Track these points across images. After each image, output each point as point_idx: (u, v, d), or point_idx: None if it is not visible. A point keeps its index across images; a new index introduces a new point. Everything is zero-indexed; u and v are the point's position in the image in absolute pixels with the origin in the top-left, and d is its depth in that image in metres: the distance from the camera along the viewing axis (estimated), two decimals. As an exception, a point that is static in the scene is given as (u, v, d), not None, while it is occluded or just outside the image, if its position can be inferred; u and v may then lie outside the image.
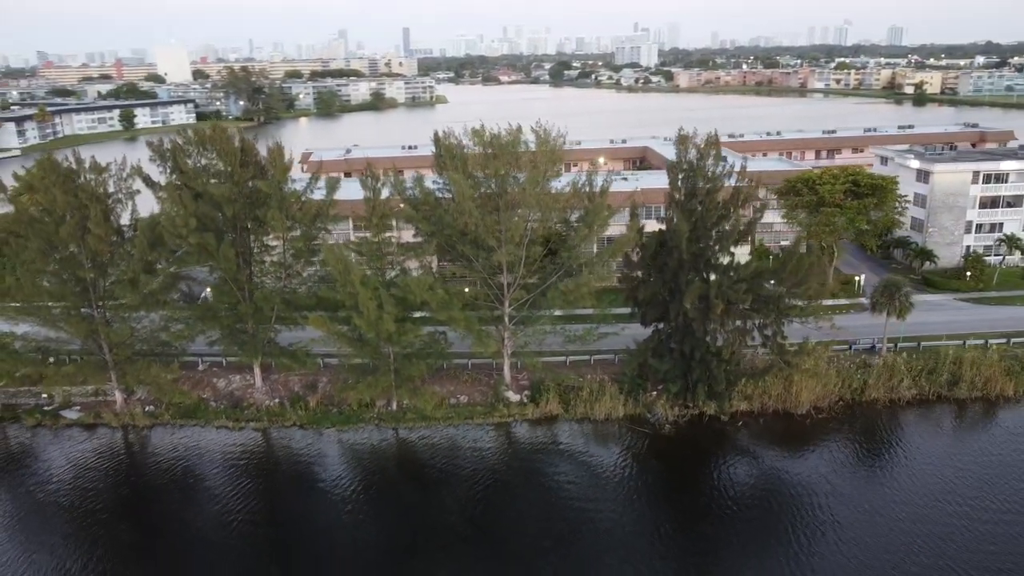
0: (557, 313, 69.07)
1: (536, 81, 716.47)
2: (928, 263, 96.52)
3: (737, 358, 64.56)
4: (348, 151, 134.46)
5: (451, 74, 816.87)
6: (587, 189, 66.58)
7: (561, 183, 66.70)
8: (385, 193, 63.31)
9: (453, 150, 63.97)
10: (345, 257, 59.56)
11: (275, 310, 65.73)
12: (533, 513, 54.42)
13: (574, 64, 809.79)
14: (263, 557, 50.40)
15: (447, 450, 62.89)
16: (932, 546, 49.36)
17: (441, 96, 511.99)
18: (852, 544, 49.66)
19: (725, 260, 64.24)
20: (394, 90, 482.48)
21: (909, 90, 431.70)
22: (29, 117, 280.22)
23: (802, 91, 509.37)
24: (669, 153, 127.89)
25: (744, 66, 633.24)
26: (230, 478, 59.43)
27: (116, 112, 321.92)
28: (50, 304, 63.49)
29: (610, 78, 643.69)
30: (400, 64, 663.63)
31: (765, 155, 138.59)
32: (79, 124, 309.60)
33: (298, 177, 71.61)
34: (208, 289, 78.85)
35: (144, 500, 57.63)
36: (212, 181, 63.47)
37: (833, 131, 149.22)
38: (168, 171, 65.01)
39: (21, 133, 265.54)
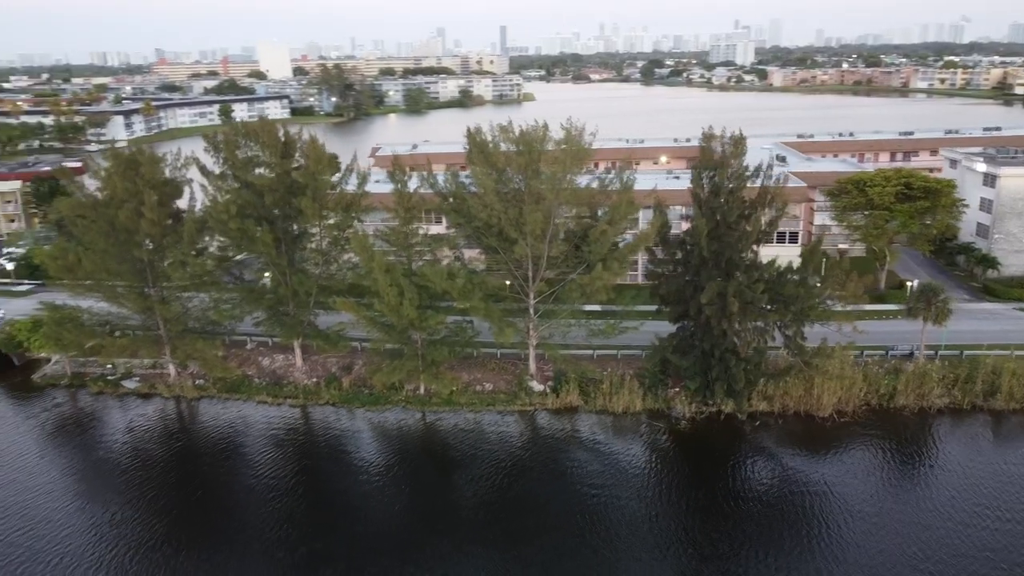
0: (592, 308, 70.47)
1: (627, 79, 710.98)
2: (990, 270, 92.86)
3: (757, 358, 64.48)
4: (415, 146, 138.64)
5: (542, 72, 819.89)
6: (616, 185, 67.68)
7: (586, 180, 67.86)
8: (413, 185, 66.18)
9: (483, 146, 66.26)
10: (369, 245, 62.74)
11: (312, 294, 69.65)
12: (546, 498, 56.17)
13: (667, 62, 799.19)
14: (290, 520, 54.10)
15: (468, 434, 65.38)
16: (952, 559, 48.47)
17: (529, 94, 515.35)
18: (866, 552, 49.22)
19: (749, 259, 64.24)
20: (482, 88, 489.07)
21: (1021, 90, 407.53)
22: (136, 111, 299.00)
23: (903, 91, 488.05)
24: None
25: (845, 64, 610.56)
26: (265, 448, 63.83)
27: (216, 107, 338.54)
28: (113, 283, 69.29)
29: (702, 76, 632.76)
30: (491, 62, 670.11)
31: (836, 156, 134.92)
32: (181, 118, 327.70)
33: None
34: (267, 274, 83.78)
35: (188, 463, 62.44)
36: (257, 171, 67.84)
37: (910, 133, 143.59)
38: (221, 161, 69.68)
39: (128, 126, 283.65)
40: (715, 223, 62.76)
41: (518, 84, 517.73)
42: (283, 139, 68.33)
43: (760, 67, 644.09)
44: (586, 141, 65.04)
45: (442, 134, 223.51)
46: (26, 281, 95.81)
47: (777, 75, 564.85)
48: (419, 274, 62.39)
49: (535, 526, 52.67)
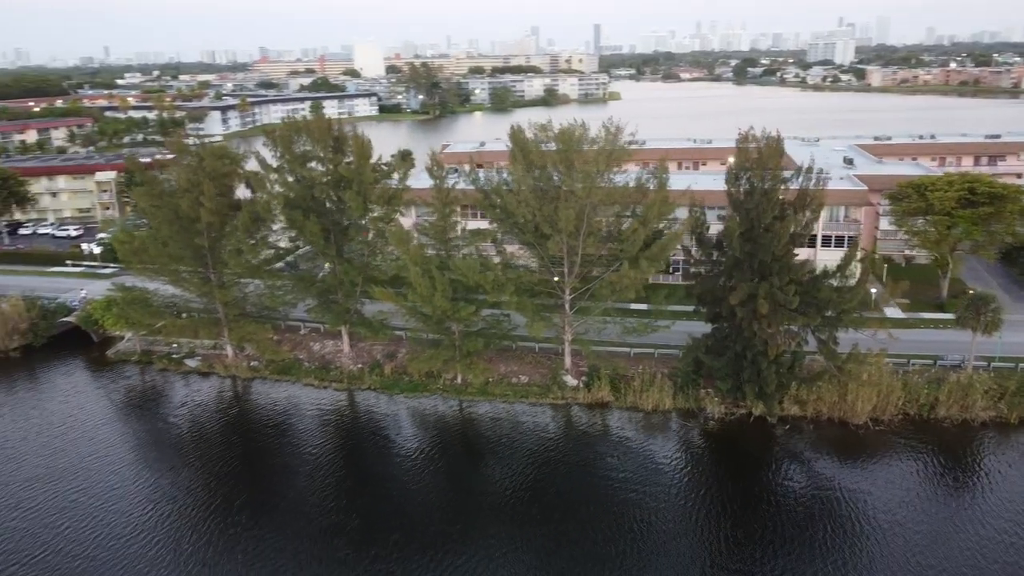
0: (637, 307, 70.73)
1: (718, 79, 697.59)
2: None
3: (790, 361, 64.00)
4: (482, 144, 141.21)
5: (632, 71, 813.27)
6: (652, 184, 68.13)
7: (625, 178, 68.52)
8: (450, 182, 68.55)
9: (522, 143, 67.84)
10: (408, 238, 65.39)
11: (358, 283, 72.88)
12: (568, 487, 57.62)
13: (762, 61, 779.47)
14: (323, 493, 57.81)
15: (498, 423, 67.43)
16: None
17: (615, 93, 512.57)
18: (893, 561, 48.61)
19: (784, 261, 63.61)
20: (567, 86, 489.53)
21: None
22: (232, 107, 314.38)
23: (1015, 92, 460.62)
24: (799, 154, 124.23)
25: (952, 64, 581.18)
26: (308, 428, 67.78)
27: (307, 103, 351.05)
28: (177, 267, 74.35)
29: (796, 76, 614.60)
30: (580, 60, 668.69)
31: (914, 159, 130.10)
32: (275, 114, 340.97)
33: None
34: (327, 265, 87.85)
35: (235, 437, 66.98)
36: (310, 164, 71.55)
37: (997, 136, 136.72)
38: (279, 155, 73.64)
39: (224, 121, 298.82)
40: (749, 224, 62.58)
41: (604, 83, 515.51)
42: (335, 135, 71.58)
43: (859, 66, 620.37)
44: (624, 141, 66.00)
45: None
46: (111, 264, 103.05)
47: (876, 75, 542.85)
48: (452, 267, 64.62)
49: (554, 514, 54.04)
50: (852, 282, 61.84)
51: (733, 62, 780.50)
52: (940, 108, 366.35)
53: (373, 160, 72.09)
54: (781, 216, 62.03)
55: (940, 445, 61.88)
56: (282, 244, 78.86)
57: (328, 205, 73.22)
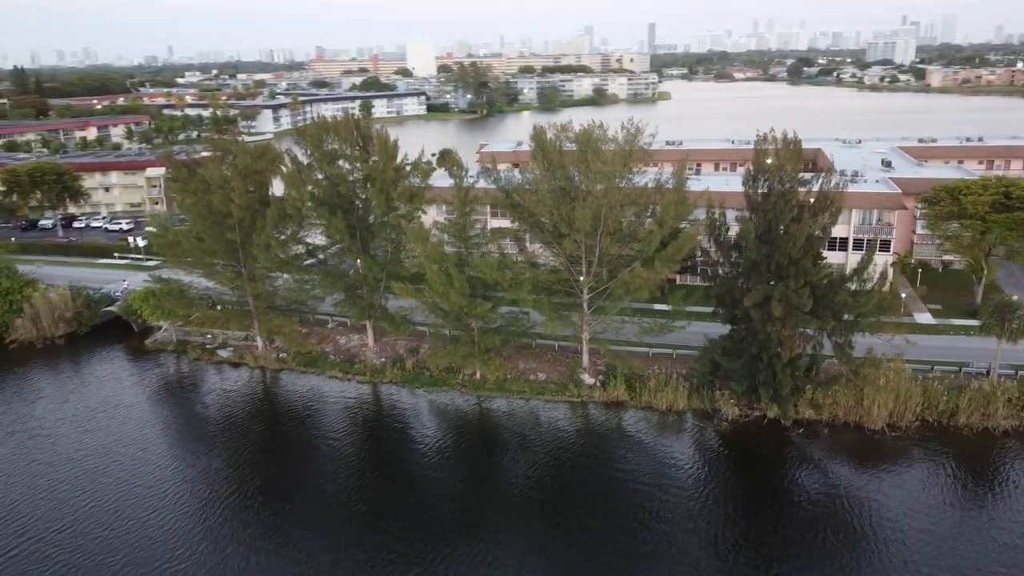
0: (656, 306, 71.11)
1: (772, 79, 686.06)
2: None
3: (806, 364, 63.66)
4: (519, 143, 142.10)
5: (684, 71, 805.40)
6: (671, 185, 68.39)
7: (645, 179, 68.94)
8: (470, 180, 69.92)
9: (543, 143, 68.80)
10: (427, 235, 66.92)
11: (381, 279, 74.67)
12: (576, 482, 58.52)
13: (819, 61, 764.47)
14: (345, 477, 60.40)
15: (515, 420, 68.40)
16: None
17: (664, 92, 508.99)
18: (908, 566, 48.32)
19: (802, 264, 63.29)
20: (616, 86, 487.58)
21: None
22: (284, 105, 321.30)
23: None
24: (841, 156, 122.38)
25: (1020, 63, 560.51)
26: (332, 417, 70.08)
27: (357, 102, 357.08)
28: (211, 261, 77.19)
29: (853, 76, 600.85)
30: (631, 60, 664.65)
31: (960, 162, 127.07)
32: (325, 112, 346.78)
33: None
34: (359, 260, 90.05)
35: (264, 424, 69.58)
36: (338, 162, 73.61)
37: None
38: (309, 153, 75.88)
39: (276, 119, 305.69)
40: (767, 226, 62.46)
41: (653, 83, 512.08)
42: (361, 134, 73.47)
43: (919, 66, 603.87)
44: (644, 142, 66.44)
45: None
46: (154, 257, 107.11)
47: (936, 75, 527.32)
48: (471, 264, 65.94)
49: (561, 508, 54.93)
50: (870, 286, 61.28)
51: (789, 62, 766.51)
52: (1001, 110, 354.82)
53: (399, 159, 73.83)
54: (798, 218, 61.78)
55: (958, 453, 60.83)
56: (318, 241, 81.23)
57: (355, 203, 75.22)
